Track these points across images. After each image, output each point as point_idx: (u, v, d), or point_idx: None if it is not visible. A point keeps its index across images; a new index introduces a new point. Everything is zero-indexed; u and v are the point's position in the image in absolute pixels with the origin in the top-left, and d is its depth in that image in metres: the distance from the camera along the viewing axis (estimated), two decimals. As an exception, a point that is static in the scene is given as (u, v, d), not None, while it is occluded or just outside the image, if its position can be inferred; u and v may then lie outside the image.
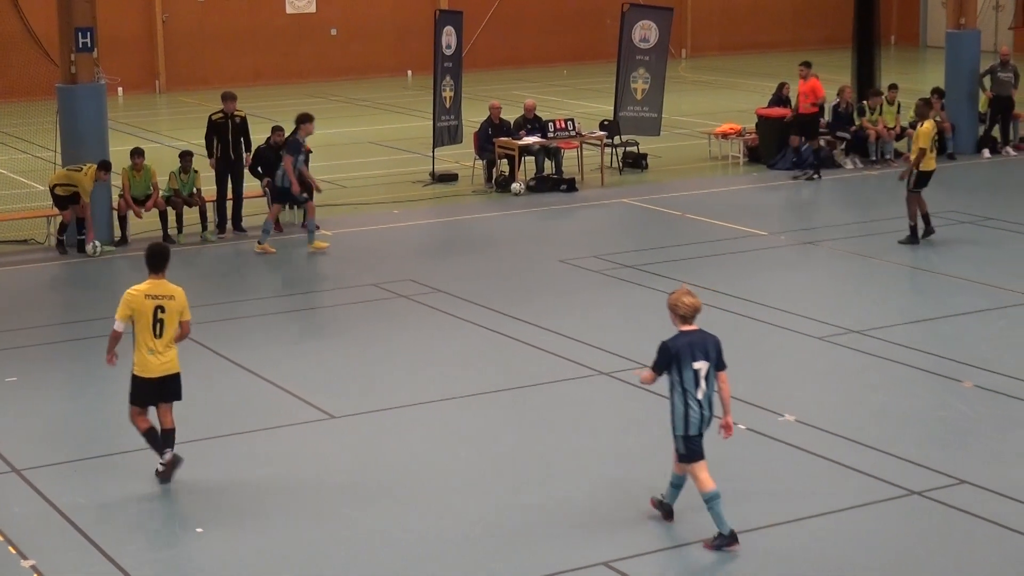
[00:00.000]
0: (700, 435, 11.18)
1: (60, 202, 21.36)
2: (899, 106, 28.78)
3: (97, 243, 21.28)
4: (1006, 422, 14.10)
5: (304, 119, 21.54)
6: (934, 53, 41.41)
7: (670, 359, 11.19)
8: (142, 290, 12.32)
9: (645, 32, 28.21)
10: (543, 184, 26.02)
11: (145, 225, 22.59)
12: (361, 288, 19.42)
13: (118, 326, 12.44)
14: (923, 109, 22.12)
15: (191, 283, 19.67)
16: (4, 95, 37.85)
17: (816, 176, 26.12)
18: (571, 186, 26.02)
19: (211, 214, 22.70)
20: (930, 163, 20.84)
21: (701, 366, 11.16)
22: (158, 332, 12.31)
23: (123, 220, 22.08)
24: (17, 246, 21.87)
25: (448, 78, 27.21)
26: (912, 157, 21.04)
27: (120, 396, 12.94)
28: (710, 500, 11.13)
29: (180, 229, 22.49)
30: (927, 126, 20.98)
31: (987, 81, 28.88)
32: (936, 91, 28.89)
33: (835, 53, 38.58)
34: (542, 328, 17.22)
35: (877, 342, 16.57)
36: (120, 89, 38.38)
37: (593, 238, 22.36)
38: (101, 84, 22.46)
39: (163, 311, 12.30)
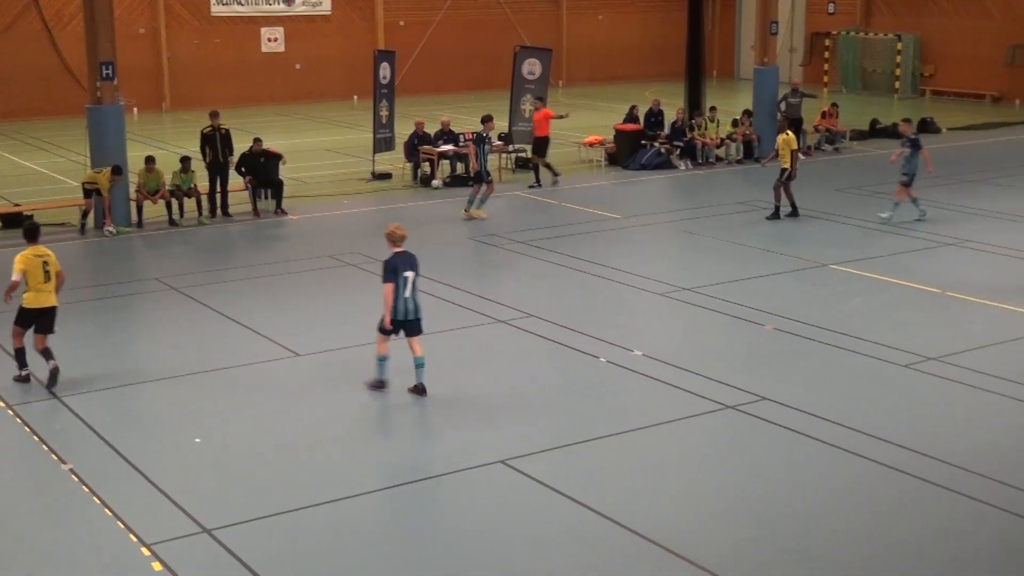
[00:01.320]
0: (404, 320, 12.62)
1: (87, 195, 21.33)
2: (718, 123, 29.01)
3: (112, 228, 21.11)
4: (795, 354, 14.31)
5: (487, 119, 23.29)
6: (744, 83, 41.72)
7: (393, 270, 12.59)
8: (28, 253, 13.06)
9: (531, 67, 28.17)
10: (456, 181, 25.99)
11: (156, 212, 22.36)
12: (320, 259, 19.31)
13: (16, 277, 12.97)
14: (782, 124, 22.89)
15: (190, 255, 19.66)
16: (46, 114, 37.24)
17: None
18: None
19: (205, 204, 22.56)
20: (786, 162, 21.52)
21: (409, 275, 12.65)
22: (47, 278, 13.12)
23: (140, 208, 21.92)
24: (56, 228, 21.53)
25: (384, 101, 27.03)
26: (783, 157, 21.54)
27: (138, 341, 12.86)
28: (383, 359, 12.82)
29: (181, 215, 22.35)
30: (790, 136, 21.62)
31: (783, 105, 29.16)
32: (746, 112, 29.21)
33: (672, 83, 38.76)
34: (458, 288, 17.23)
35: (703, 296, 16.74)
36: (135, 109, 37.75)
37: (495, 221, 22.35)
38: (120, 105, 22.16)
39: (48, 264, 13.13)
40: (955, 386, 13.07)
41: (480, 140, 22.68)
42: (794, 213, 21.70)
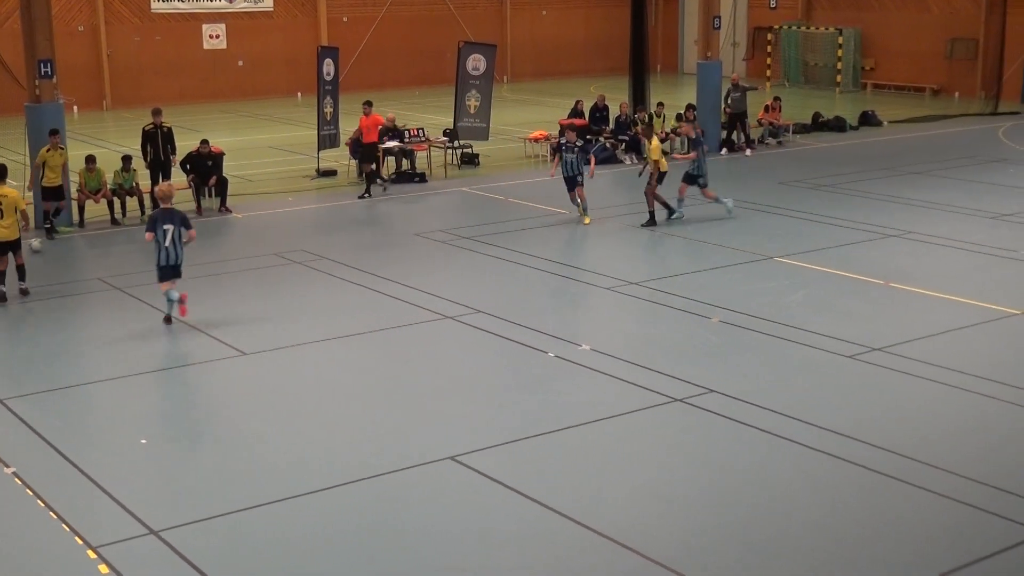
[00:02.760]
0: (164, 266, 15.15)
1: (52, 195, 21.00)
2: (664, 117, 29.16)
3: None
4: (742, 347, 14.40)
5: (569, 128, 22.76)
6: (688, 78, 41.95)
7: (153, 222, 15.13)
8: None
9: (476, 63, 28.13)
10: (402, 177, 25.93)
11: (98, 212, 22.09)
12: (264, 256, 19.18)
13: None
14: (648, 130, 22.67)
15: (133, 255, 19.45)
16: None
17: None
18: (423, 178, 25.95)
19: (147, 202, 22.28)
20: (664, 166, 21.15)
21: (168, 228, 15.03)
22: (2, 215, 16.13)
23: (81, 208, 21.62)
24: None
25: (328, 98, 26.89)
26: (653, 161, 21.11)
27: (81, 343, 12.68)
28: (166, 294, 15.22)
29: (124, 214, 22.13)
30: (655, 143, 21.25)
31: (728, 101, 29.35)
32: (690, 106, 29.33)
33: (617, 78, 38.87)
34: (403, 284, 17.18)
35: (650, 290, 16.82)
36: (75, 107, 37.28)
37: (440, 217, 22.33)
38: (60, 103, 21.86)
39: (2, 204, 16.10)
40: (900, 376, 13.21)
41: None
42: (651, 221, 20.82)
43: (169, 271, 15.23)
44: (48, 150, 20.59)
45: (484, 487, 10.49)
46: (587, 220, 21.21)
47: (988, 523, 9.70)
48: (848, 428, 11.62)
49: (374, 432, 11.89)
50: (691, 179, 21.56)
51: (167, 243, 15.04)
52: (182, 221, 15.21)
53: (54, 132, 20.78)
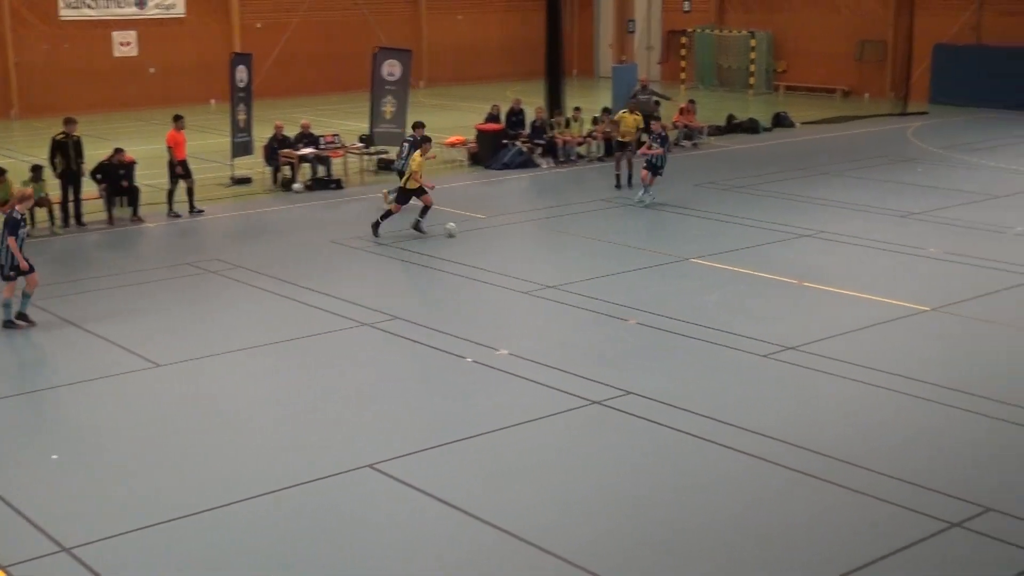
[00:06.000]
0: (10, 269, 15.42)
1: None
2: (581, 121, 29.32)
3: None
4: (659, 348, 14.52)
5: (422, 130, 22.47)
6: (604, 81, 42.15)
7: (15, 225, 15.39)
8: None
9: (391, 68, 28.02)
10: (317, 184, 25.78)
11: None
12: (178, 266, 18.93)
13: None
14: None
15: (42, 267, 18.99)
16: None
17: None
18: (339, 185, 25.80)
19: (57, 213, 21.98)
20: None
21: (24, 232, 15.48)
22: None
23: (-12, 219, 21.23)
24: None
25: (242, 105, 26.64)
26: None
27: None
28: (6, 305, 15.42)
29: (33, 224, 21.67)
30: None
31: (633, 102, 29.50)
32: (605, 109, 29.53)
33: (533, 82, 38.98)
34: (319, 292, 17.08)
35: (567, 294, 16.88)
36: (-19, 117, 36.58)
37: (357, 224, 22.21)
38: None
39: None
40: (814, 374, 13.40)
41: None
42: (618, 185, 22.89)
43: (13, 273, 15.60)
44: None
45: (403, 494, 10.44)
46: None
47: (903, 517, 9.87)
48: (765, 427, 11.76)
49: (291, 442, 11.79)
50: (654, 168, 22.91)
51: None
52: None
53: None
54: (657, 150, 22.79)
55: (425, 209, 20.80)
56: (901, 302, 16.11)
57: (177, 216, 22.81)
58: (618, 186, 24.86)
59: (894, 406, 12.48)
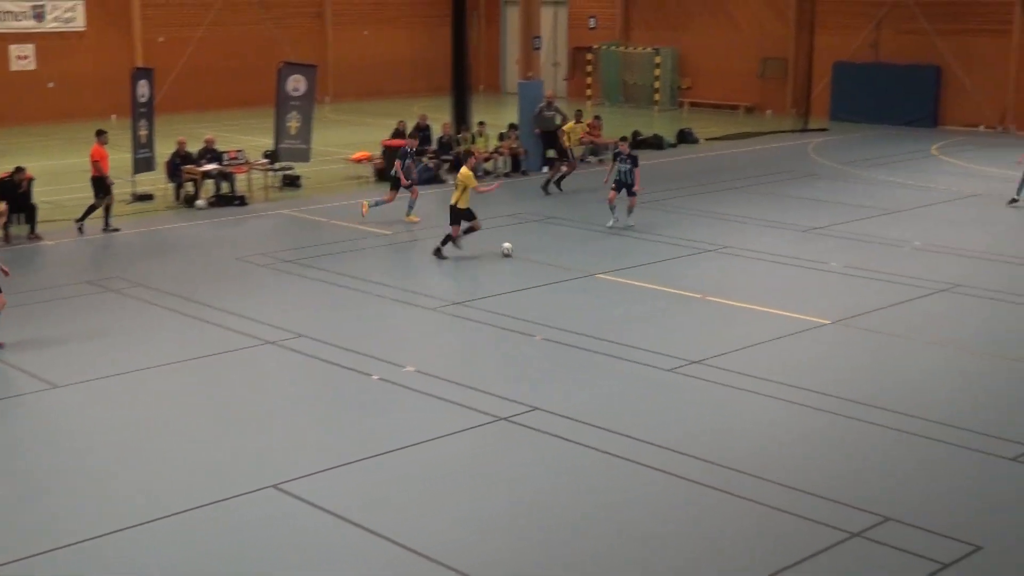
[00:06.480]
0: None
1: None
2: (487, 137, 29.36)
3: None
4: (565, 364, 14.55)
5: (412, 134, 25.63)
6: (511, 97, 42.25)
7: None
8: None
9: (296, 83, 27.83)
10: (221, 201, 25.51)
11: None
12: (78, 285, 18.58)
13: None
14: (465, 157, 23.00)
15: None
16: None
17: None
18: (243, 202, 25.55)
19: (-45, 231, 21.50)
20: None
21: None
22: None
23: None
24: None
25: (144, 120, 26.24)
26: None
27: None
28: None
29: (-73, 243, 21.22)
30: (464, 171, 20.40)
31: (537, 120, 29.65)
32: (512, 126, 29.63)
33: (440, 98, 38.99)
34: (223, 310, 16.87)
35: (473, 310, 16.88)
36: None
37: (262, 241, 22.03)
38: None
39: None
40: (718, 387, 13.56)
41: (404, 155, 23.28)
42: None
43: None
44: None
45: (308, 514, 10.34)
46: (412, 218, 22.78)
47: (806, 528, 10.01)
48: (670, 441, 11.86)
49: (194, 462, 11.61)
50: (627, 188, 22.33)
51: None
52: None
53: None
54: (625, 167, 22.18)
55: (470, 230, 20.43)
56: (803, 316, 16.37)
57: (116, 230, 22.65)
58: (555, 189, 26.38)
59: (795, 418, 12.67)
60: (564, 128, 27.40)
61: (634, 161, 22.42)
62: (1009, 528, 10.09)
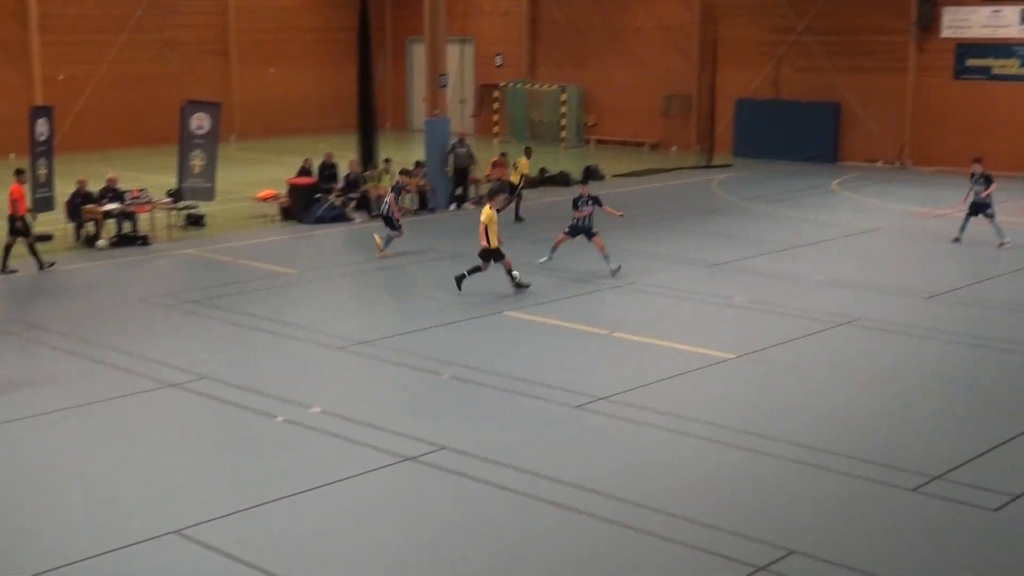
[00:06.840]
0: None
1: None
2: (393, 174, 29.30)
3: None
4: (472, 402, 14.54)
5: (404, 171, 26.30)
6: (418, 135, 42.26)
7: None
8: None
9: (200, 122, 27.59)
10: (123, 240, 25.12)
11: None
12: (-27, 328, 18.17)
13: None
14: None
15: None
16: None
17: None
18: (145, 241, 25.18)
19: None
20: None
21: None
22: None
23: None
24: None
25: (43, 159, 25.77)
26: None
27: None
28: None
29: None
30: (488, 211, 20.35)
31: (451, 158, 29.78)
32: (418, 163, 29.64)
33: (347, 135, 38.86)
34: (124, 353, 16.56)
35: (380, 349, 16.79)
36: None
37: (165, 281, 21.71)
38: None
39: None
40: (625, 424, 13.61)
41: (397, 189, 24.15)
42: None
43: None
44: None
45: (211, 560, 10.16)
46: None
47: (711, 563, 10.07)
48: (578, 478, 11.87)
49: (92, 509, 11.35)
50: (587, 232, 21.84)
51: None
52: None
53: None
54: (587, 210, 21.83)
55: (476, 270, 20.13)
56: (708, 350, 16.53)
57: (14, 271, 22.13)
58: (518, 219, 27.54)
59: (701, 453, 12.76)
60: (517, 163, 28.44)
61: (596, 201, 21.93)
62: (912, 559, 10.24)
